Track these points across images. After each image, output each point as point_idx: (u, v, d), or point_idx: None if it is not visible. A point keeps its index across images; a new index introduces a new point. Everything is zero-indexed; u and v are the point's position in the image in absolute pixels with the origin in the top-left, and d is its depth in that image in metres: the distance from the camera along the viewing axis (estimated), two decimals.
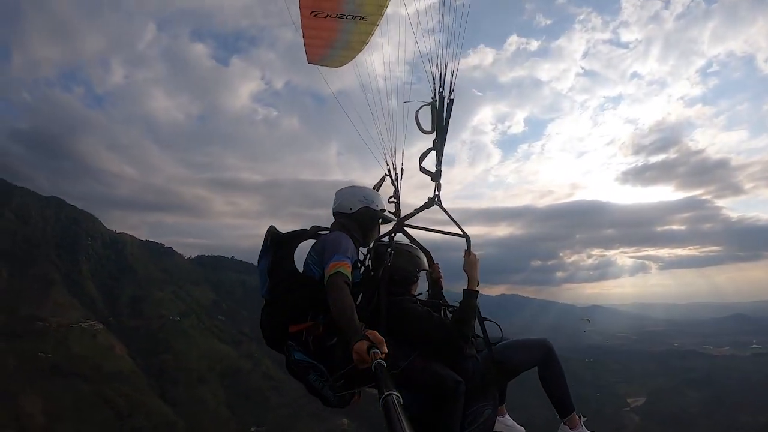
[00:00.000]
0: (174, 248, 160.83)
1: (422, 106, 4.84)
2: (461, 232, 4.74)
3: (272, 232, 4.16)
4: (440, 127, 4.78)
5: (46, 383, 72.63)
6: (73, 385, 74.09)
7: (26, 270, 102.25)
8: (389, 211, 4.88)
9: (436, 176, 4.85)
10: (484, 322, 4.52)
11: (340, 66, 6.01)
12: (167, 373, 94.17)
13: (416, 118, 4.84)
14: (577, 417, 4.61)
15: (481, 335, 4.53)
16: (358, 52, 5.76)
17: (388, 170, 5.34)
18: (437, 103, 4.79)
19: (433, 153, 4.87)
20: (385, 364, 2.53)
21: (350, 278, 3.58)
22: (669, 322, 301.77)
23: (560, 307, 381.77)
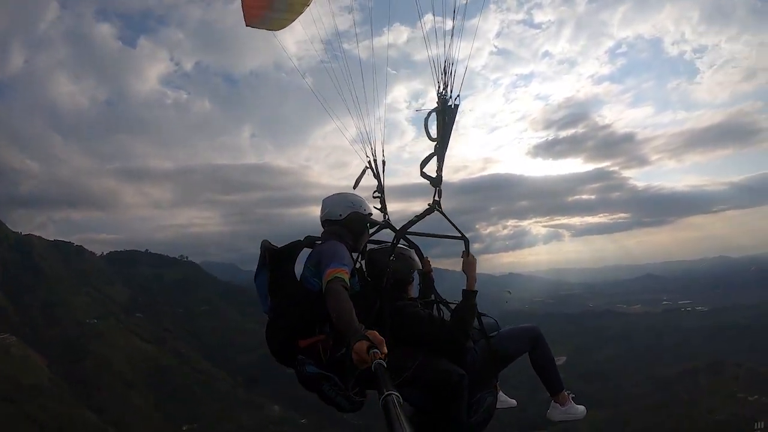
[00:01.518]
0: (84, 246, 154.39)
1: (430, 113, 4.79)
2: (460, 235, 4.81)
3: (268, 248, 4.19)
4: (443, 133, 4.73)
5: None
6: None
7: None
8: (375, 207, 5.05)
9: (436, 182, 4.81)
10: (481, 316, 4.73)
11: (278, 29, 5.80)
12: (91, 380, 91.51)
13: (425, 125, 4.78)
14: (565, 394, 5.06)
15: (478, 327, 4.72)
16: (299, 15, 5.57)
17: (369, 162, 5.35)
18: (441, 108, 4.74)
19: (434, 159, 4.83)
20: (385, 364, 2.53)
21: (348, 284, 3.62)
22: (583, 286, 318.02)
23: (479, 277, 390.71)
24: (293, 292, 4.08)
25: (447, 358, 4.34)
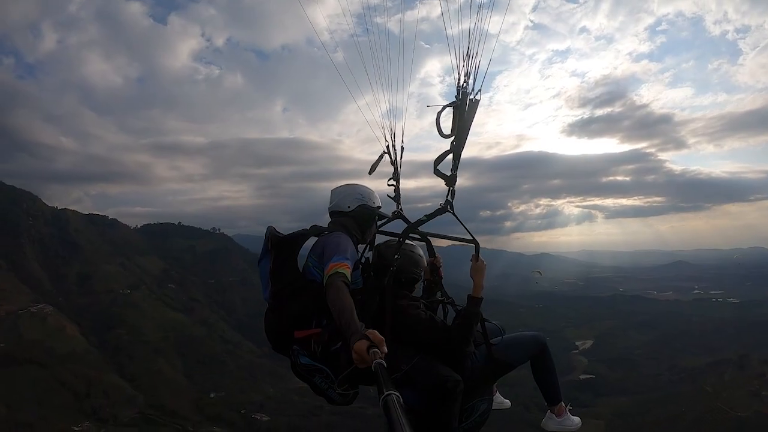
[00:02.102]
0: (119, 219, 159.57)
1: (444, 107, 4.50)
2: (471, 238, 4.65)
3: (272, 234, 4.14)
4: (461, 130, 4.43)
5: (0, 373, 74.22)
6: (28, 371, 74.81)
7: None
8: (388, 195, 4.96)
9: (451, 181, 4.55)
10: (485, 323, 4.61)
11: None
12: (122, 348, 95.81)
13: (437, 121, 4.48)
14: (563, 405, 4.98)
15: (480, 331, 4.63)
16: None
17: (387, 147, 5.17)
18: (460, 102, 4.43)
19: (450, 156, 4.57)
20: (385, 364, 2.53)
21: (349, 279, 3.60)
22: (615, 269, 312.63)
23: (509, 255, 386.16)
24: (293, 282, 4.03)
25: (446, 362, 4.28)
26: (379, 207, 4.61)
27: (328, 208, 4.55)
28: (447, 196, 4.59)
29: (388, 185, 5.11)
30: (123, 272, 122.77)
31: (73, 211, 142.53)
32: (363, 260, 4.61)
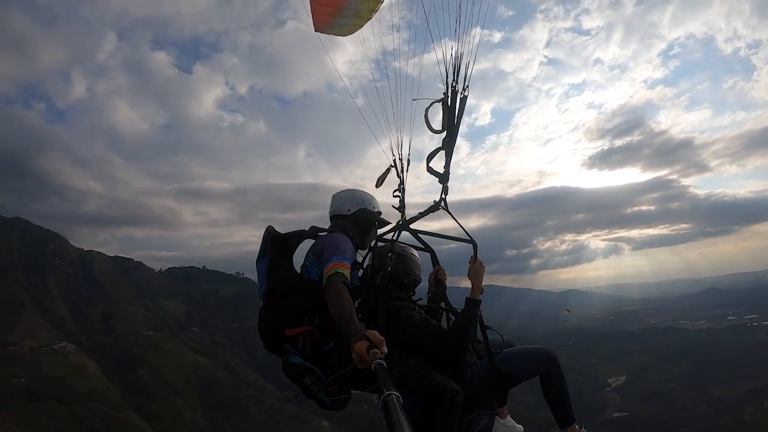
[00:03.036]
0: (144, 262, 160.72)
1: (432, 103, 4.60)
2: (468, 238, 4.56)
3: (271, 233, 4.15)
4: (451, 126, 4.52)
5: (21, 408, 72.93)
6: (48, 407, 74.28)
7: None
8: (393, 205, 4.95)
9: (443, 178, 4.62)
10: (486, 330, 4.47)
11: (347, 35, 5.86)
12: (142, 388, 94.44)
13: (426, 116, 4.61)
14: (577, 428, 4.63)
15: (482, 341, 4.50)
16: (367, 21, 5.61)
17: (394, 161, 5.24)
18: (449, 99, 4.53)
19: (442, 153, 4.66)
20: (385, 364, 2.54)
21: (349, 279, 3.60)
22: (645, 301, 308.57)
23: (537, 293, 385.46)
24: (289, 280, 4.02)
25: (444, 370, 4.10)
26: (380, 213, 4.61)
27: (329, 213, 4.55)
28: (441, 194, 4.66)
29: (394, 196, 5.06)
30: (146, 314, 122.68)
31: (99, 253, 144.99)
32: (362, 266, 4.53)
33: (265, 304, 4.09)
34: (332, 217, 4.53)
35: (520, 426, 4.90)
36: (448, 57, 4.54)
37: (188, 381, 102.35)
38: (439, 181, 4.67)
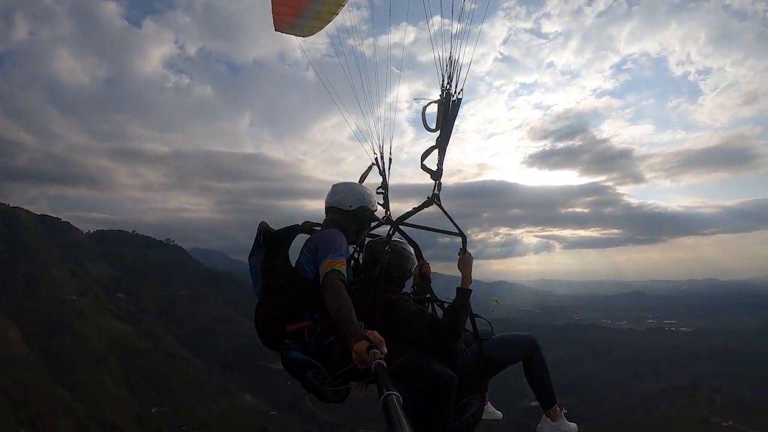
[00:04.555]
0: (72, 223, 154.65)
1: (429, 103, 4.70)
2: (458, 231, 4.70)
3: (264, 229, 4.10)
4: (445, 126, 4.64)
5: None
6: None
7: None
8: (378, 203, 4.90)
9: (437, 175, 4.72)
10: (475, 318, 4.60)
11: (308, 36, 5.86)
12: (64, 356, 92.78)
13: (423, 115, 4.70)
14: (558, 409, 4.86)
15: (471, 330, 4.61)
16: (328, 23, 5.64)
17: (376, 159, 5.34)
18: (444, 101, 4.66)
19: (436, 151, 4.75)
20: (384, 364, 2.50)
21: (345, 276, 3.58)
22: (571, 298, 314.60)
23: None
24: (284, 276, 4.03)
25: (437, 358, 4.25)
26: (376, 210, 4.69)
27: (327, 203, 4.53)
28: (434, 189, 4.75)
29: (377, 193, 5.15)
30: (71, 278, 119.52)
31: (26, 211, 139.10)
32: (353, 261, 4.61)
33: (261, 301, 4.06)
34: (330, 209, 4.48)
35: (499, 412, 5.21)
36: (444, 61, 4.64)
37: (112, 349, 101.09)
38: (431, 178, 4.72)
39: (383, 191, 5.25)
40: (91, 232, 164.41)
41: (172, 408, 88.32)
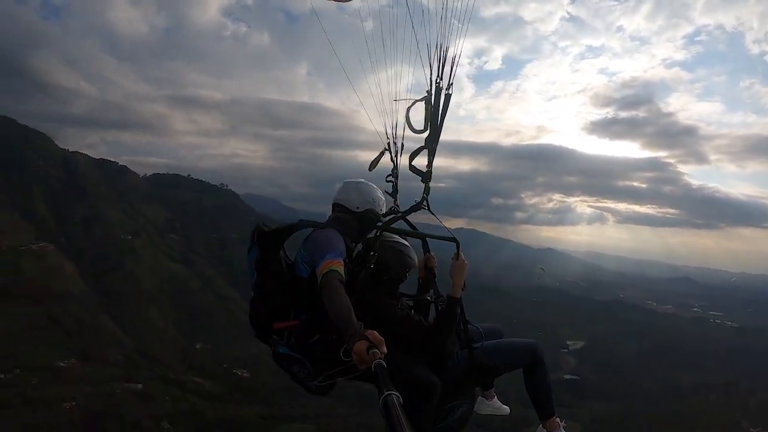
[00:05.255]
0: (129, 167, 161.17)
1: (415, 102, 4.51)
2: (450, 236, 4.47)
3: (258, 228, 4.15)
4: (434, 125, 4.40)
5: None
6: (22, 306, 77.98)
7: None
8: (386, 191, 4.86)
9: (426, 177, 4.50)
10: (467, 324, 4.44)
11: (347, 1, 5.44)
12: (117, 292, 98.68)
13: (407, 116, 4.56)
14: (557, 420, 4.66)
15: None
16: None
17: (388, 144, 5.19)
18: (432, 97, 4.40)
19: (424, 152, 4.54)
20: (384, 364, 2.52)
21: (343, 276, 3.57)
22: (619, 275, 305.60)
23: (516, 246, 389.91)
24: (276, 275, 4.09)
25: (424, 362, 4.18)
26: (383, 215, 4.56)
27: (335, 200, 4.44)
28: (423, 193, 4.57)
29: (387, 181, 5.08)
30: (127, 219, 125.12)
31: (84, 155, 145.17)
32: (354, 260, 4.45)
33: (254, 296, 4.15)
34: (337, 206, 4.42)
35: (506, 407, 5.10)
36: (432, 55, 4.31)
37: (162, 288, 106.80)
38: (421, 180, 4.55)
39: (393, 179, 5.12)
40: (147, 175, 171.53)
41: (215, 345, 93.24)
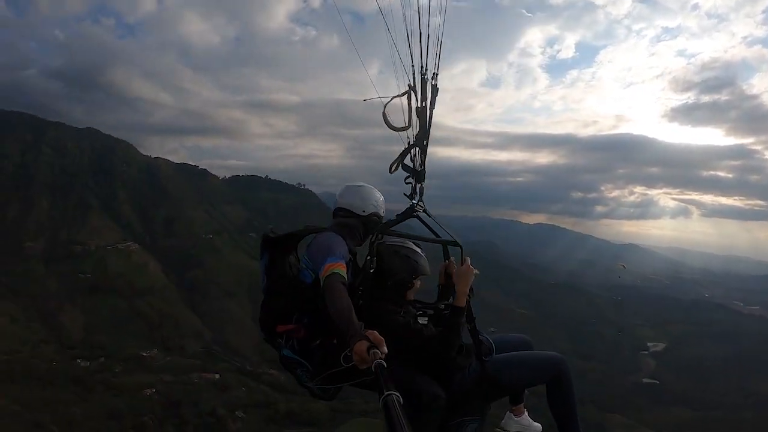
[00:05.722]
0: (209, 170, 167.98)
1: (393, 98, 4.20)
2: (453, 240, 4.22)
3: (265, 235, 4.17)
4: (422, 119, 4.11)
5: (85, 301, 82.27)
6: (109, 300, 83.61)
7: (65, 199, 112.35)
8: (404, 193, 4.51)
9: (420, 177, 4.26)
10: (478, 336, 4.17)
11: None
12: (198, 287, 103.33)
13: (384, 115, 4.23)
14: None
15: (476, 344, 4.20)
16: None
17: (410, 144, 4.64)
18: (417, 92, 4.10)
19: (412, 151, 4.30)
20: (385, 364, 2.54)
21: (346, 278, 3.56)
22: (704, 272, 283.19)
23: (596, 242, 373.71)
24: (281, 280, 4.08)
25: (432, 373, 4.01)
26: (383, 219, 4.41)
27: (340, 204, 4.31)
28: (417, 196, 4.28)
29: (406, 183, 4.62)
30: (208, 219, 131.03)
31: (165, 160, 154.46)
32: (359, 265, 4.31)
33: (262, 301, 4.17)
34: (342, 210, 4.30)
35: (537, 424, 4.70)
36: (413, 43, 3.94)
37: (241, 283, 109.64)
38: (415, 181, 4.28)
39: (412, 181, 4.46)
40: (227, 177, 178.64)
41: None
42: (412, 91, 4.13)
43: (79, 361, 69.10)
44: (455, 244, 4.19)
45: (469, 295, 4.00)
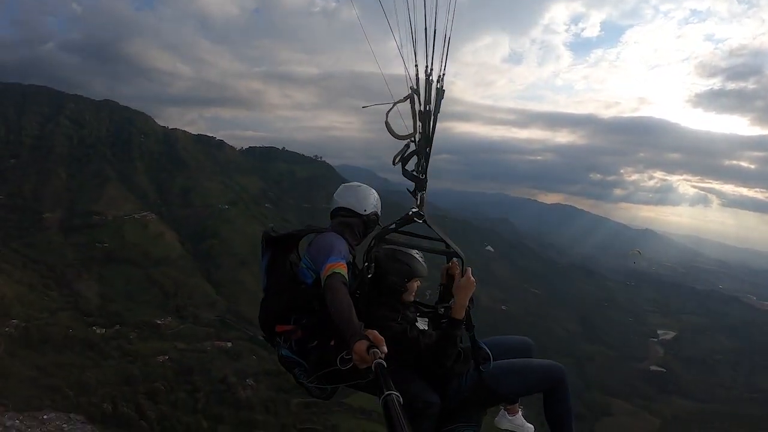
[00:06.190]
0: (226, 141, 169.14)
1: (396, 104, 4.00)
2: (454, 251, 4.06)
3: (265, 233, 4.17)
4: (425, 126, 3.93)
5: (102, 270, 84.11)
6: (125, 270, 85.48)
7: (83, 170, 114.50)
8: (408, 189, 4.25)
9: (422, 184, 4.04)
10: (477, 344, 4.05)
11: None
12: (213, 257, 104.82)
13: (387, 123, 4.05)
14: None
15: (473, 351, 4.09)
16: None
17: (413, 140, 4.38)
18: (421, 96, 3.88)
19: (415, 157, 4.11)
20: (385, 364, 2.54)
21: (347, 278, 3.56)
22: (720, 263, 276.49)
23: (613, 225, 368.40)
24: (281, 280, 4.10)
25: (428, 378, 3.97)
26: (379, 219, 4.42)
27: (339, 204, 4.30)
28: (417, 203, 4.05)
29: (408, 191, 4.43)
30: (223, 189, 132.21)
31: (183, 131, 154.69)
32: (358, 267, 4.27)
33: (262, 300, 4.18)
34: (341, 209, 4.29)
35: (530, 425, 4.66)
36: (417, 43, 3.72)
37: (255, 253, 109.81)
38: (417, 188, 4.06)
39: (419, 191, 4.22)
40: (244, 148, 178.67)
41: None
42: (415, 95, 3.92)
43: (94, 328, 71.25)
44: (456, 255, 4.06)
45: (468, 306, 3.90)
